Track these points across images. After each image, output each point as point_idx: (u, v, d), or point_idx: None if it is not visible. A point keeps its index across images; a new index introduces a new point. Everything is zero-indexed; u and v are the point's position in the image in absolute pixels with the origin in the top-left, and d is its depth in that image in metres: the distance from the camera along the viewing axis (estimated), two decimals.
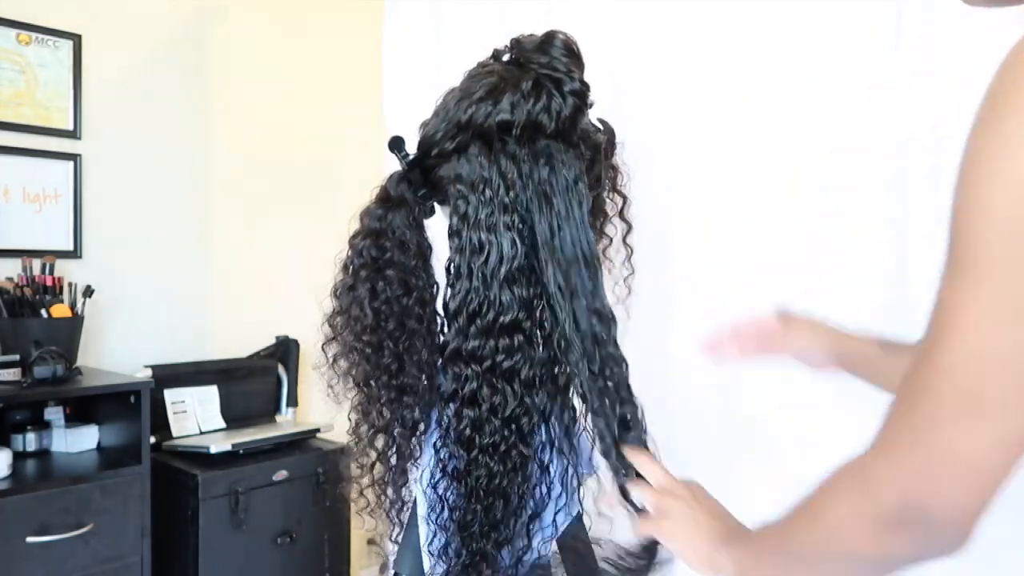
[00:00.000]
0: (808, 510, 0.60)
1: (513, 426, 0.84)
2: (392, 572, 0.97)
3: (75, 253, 2.13)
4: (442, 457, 0.87)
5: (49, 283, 1.94)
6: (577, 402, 0.89)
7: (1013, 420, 0.46)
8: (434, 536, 0.87)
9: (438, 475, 0.87)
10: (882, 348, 0.90)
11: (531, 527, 0.88)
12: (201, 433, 2.18)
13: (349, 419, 0.99)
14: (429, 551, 0.87)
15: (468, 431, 0.84)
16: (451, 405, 0.86)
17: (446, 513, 0.86)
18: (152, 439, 1.89)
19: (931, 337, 0.49)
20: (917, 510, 0.49)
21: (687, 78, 1.53)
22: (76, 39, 2.14)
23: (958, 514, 0.49)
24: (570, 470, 0.91)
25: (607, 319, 0.86)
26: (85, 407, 1.98)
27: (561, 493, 0.91)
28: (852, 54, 1.32)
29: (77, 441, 1.92)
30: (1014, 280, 0.44)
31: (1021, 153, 0.43)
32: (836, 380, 0.97)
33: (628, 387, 0.86)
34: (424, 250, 0.95)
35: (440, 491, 0.86)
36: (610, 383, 0.84)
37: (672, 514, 0.80)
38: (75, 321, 1.95)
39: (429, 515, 0.87)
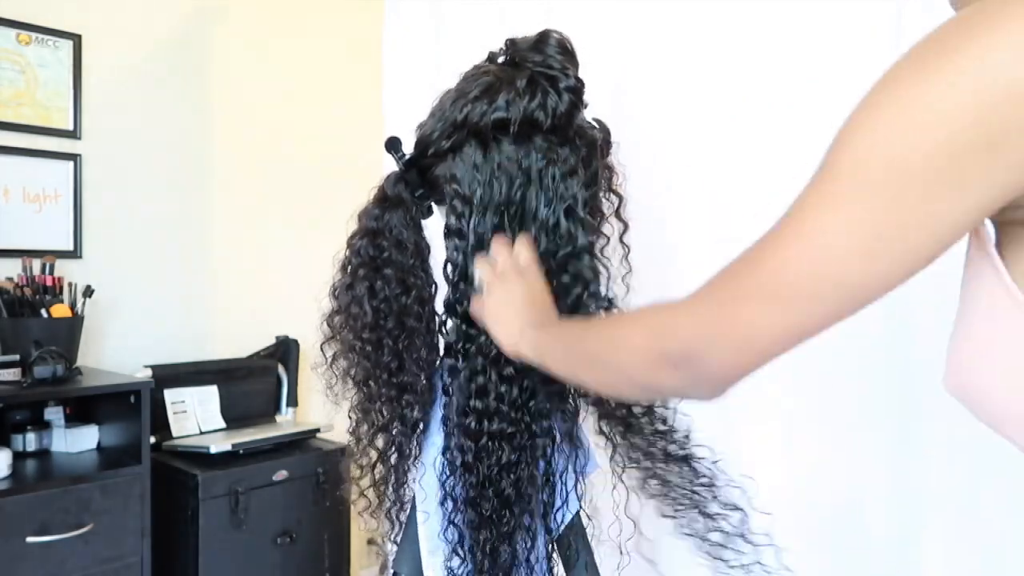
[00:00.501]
0: (612, 326, 0.72)
1: (522, 412, 0.86)
2: (392, 572, 0.97)
3: (75, 253, 2.13)
4: (452, 450, 0.87)
5: (49, 283, 1.94)
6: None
7: (805, 318, 0.52)
8: (446, 530, 0.87)
9: (448, 470, 0.87)
10: None
11: (537, 521, 0.89)
12: (201, 433, 2.18)
13: (349, 418, 0.99)
14: (445, 538, 0.87)
15: (476, 423, 0.85)
16: (456, 399, 0.87)
17: (460, 506, 0.86)
18: (152, 439, 1.89)
19: (778, 225, 0.52)
20: (695, 359, 0.57)
21: (687, 78, 1.53)
22: (76, 39, 2.14)
23: (727, 374, 0.57)
24: (569, 467, 0.92)
25: (605, 305, 0.87)
26: (85, 407, 1.98)
27: (562, 489, 0.91)
28: (852, 54, 1.32)
29: (77, 441, 1.92)
30: (864, 212, 0.47)
31: (931, 94, 0.44)
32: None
33: None
34: (422, 249, 0.95)
35: (450, 486, 0.87)
36: None
37: (494, 294, 0.85)
38: (75, 321, 1.95)
39: (442, 509, 0.87)
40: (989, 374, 0.50)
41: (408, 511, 0.97)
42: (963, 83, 0.42)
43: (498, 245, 0.87)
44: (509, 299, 0.84)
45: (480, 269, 0.87)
